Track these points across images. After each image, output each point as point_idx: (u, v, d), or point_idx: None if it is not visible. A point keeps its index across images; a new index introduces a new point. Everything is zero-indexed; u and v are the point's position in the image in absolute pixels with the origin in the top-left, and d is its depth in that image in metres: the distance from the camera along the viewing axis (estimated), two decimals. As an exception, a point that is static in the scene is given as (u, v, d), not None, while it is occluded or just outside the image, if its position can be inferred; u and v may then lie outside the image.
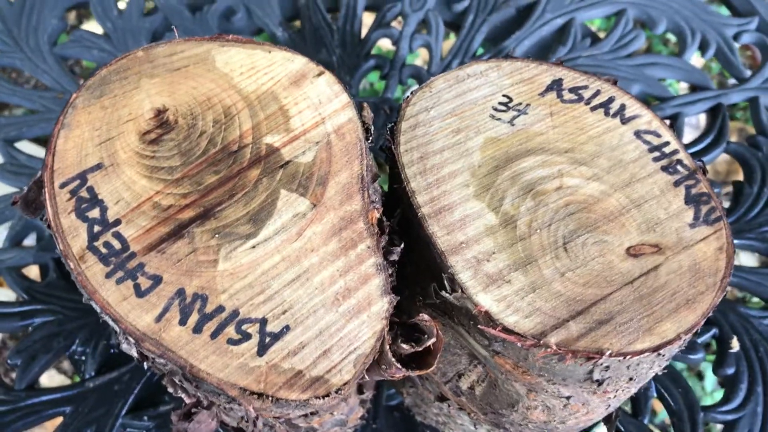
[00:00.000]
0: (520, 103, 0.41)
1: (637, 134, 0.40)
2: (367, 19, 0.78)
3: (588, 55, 0.73)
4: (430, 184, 0.38)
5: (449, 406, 0.45)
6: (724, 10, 0.83)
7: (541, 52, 0.74)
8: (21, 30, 0.72)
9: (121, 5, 0.74)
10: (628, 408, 0.62)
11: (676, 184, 0.38)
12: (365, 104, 0.39)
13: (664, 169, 0.39)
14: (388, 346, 0.34)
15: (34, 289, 0.63)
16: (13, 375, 0.77)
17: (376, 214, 0.37)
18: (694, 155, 0.69)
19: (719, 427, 0.98)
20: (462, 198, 0.37)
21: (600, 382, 0.36)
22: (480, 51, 0.75)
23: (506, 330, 0.34)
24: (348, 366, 0.34)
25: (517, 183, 0.38)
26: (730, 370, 0.62)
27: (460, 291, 0.35)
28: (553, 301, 0.35)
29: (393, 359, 0.34)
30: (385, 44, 1.12)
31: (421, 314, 0.35)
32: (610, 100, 0.41)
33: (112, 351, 0.62)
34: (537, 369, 0.36)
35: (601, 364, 0.34)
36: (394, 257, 0.37)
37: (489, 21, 0.74)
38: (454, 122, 0.40)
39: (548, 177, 0.38)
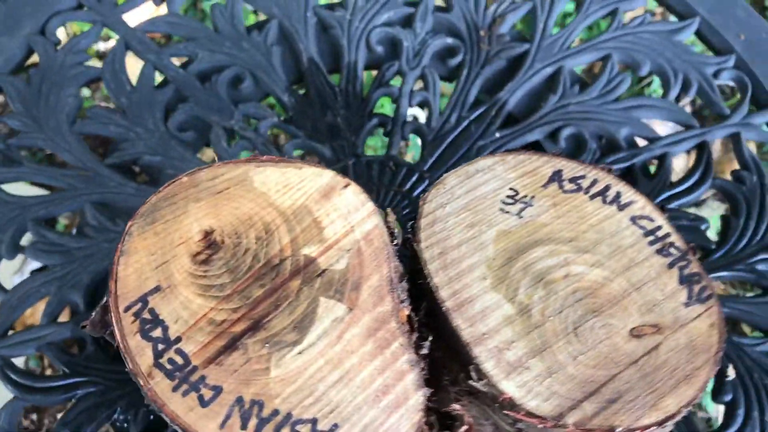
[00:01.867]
0: (526, 196, 0.45)
1: (633, 220, 0.44)
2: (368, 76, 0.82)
3: (577, 102, 0.77)
4: (451, 278, 0.42)
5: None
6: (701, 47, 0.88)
7: (533, 100, 0.79)
8: (40, 110, 0.76)
9: (132, 79, 0.77)
10: None
11: (670, 266, 0.43)
12: (389, 210, 0.43)
13: (658, 252, 0.43)
14: (426, 435, 0.39)
15: (75, 363, 0.67)
16: None
17: (406, 312, 0.41)
18: (682, 194, 0.74)
19: None
20: (481, 290, 0.42)
21: (613, 452, 0.40)
22: (475, 102, 0.79)
23: (529, 414, 0.39)
24: (393, 457, 0.38)
25: (528, 273, 0.42)
26: (728, 397, 0.67)
27: (486, 380, 0.40)
28: (568, 384, 0.39)
29: (431, 447, 0.39)
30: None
31: (453, 405, 0.39)
32: (606, 188, 0.45)
33: (151, 417, 0.66)
34: (557, 443, 0.40)
35: (614, 439, 0.39)
36: (425, 351, 0.41)
37: (482, 74, 0.79)
38: (467, 217, 0.45)
39: (556, 266, 0.43)
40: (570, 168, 0.46)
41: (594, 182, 0.46)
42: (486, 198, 0.45)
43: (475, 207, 0.45)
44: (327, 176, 0.44)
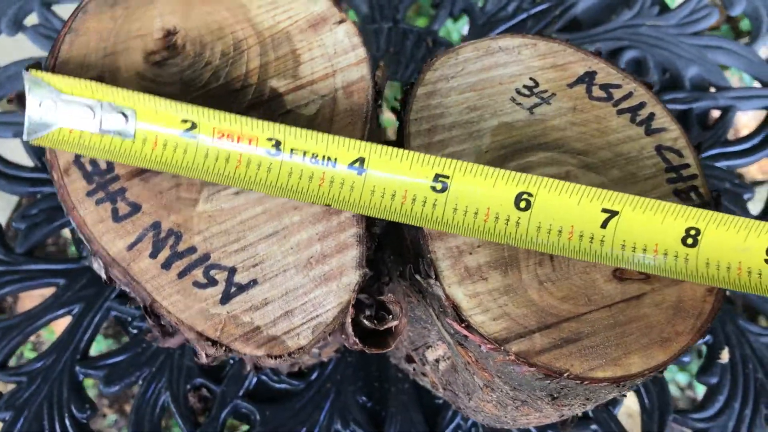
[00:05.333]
0: (546, 91, 0.38)
1: (659, 149, 0.37)
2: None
3: (652, 25, 0.68)
4: (431, 160, 0.36)
5: (414, 370, 0.45)
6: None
7: (605, 11, 0.70)
8: None
9: None
10: (601, 392, 0.62)
11: (685, 212, 0.36)
12: (381, 63, 0.37)
13: (676, 193, 0.37)
14: (350, 320, 0.34)
15: (48, 158, 0.63)
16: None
17: (369, 183, 0.36)
18: (735, 154, 0.66)
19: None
20: (460, 182, 0.36)
21: (555, 397, 0.35)
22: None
23: (470, 328, 0.34)
24: (306, 332, 0.34)
25: (520, 177, 0.36)
26: (714, 380, 0.61)
27: (434, 278, 0.34)
28: (525, 308, 0.34)
29: (352, 333, 0.34)
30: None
31: (389, 294, 0.34)
32: (641, 105, 0.38)
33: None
34: (495, 370, 0.36)
35: (558, 383, 0.34)
36: (377, 230, 0.36)
37: (558, -34, 0.70)
38: (472, 98, 0.38)
39: (554, 177, 0.36)
40: (606, 73, 0.39)
41: (628, 95, 0.39)
42: (500, 82, 0.39)
43: (484, 89, 0.38)
44: (322, 5, 0.37)
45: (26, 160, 0.63)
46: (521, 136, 0.37)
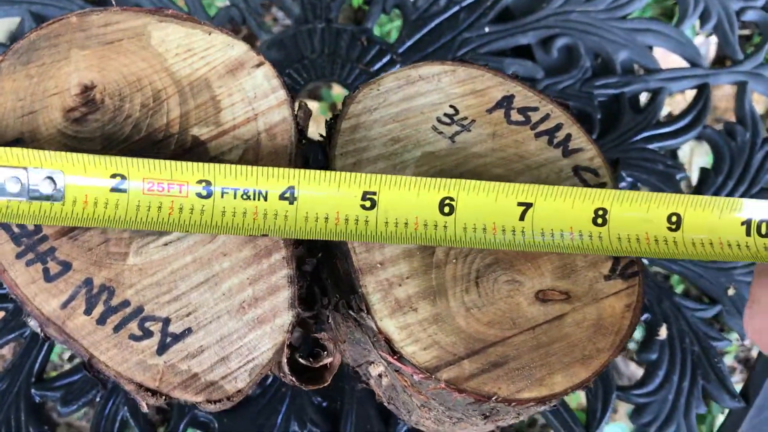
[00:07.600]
0: (465, 118, 0.39)
1: (576, 170, 0.39)
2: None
3: (581, 11, 0.69)
4: (357, 194, 0.37)
5: (360, 380, 0.47)
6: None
7: (536, 0, 0.71)
8: None
9: None
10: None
11: (602, 231, 0.38)
12: (303, 102, 0.38)
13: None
14: (285, 359, 0.35)
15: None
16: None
17: (296, 223, 0.36)
18: (666, 136, 0.68)
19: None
20: (386, 215, 0.37)
21: (487, 416, 0.37)
22: (473, -13, 0.71)
23: (403, 359, 0.35)
24: (243, 375, 0.35)
25: (444, 206, 0.37)
26: (653, 356, 0.64)
27: (366, 311, 0.36)
28: (453, 336, 0.36)
29: (289, 372, 0.35)
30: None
31: (322, 333, 0.35)
32: (557, 127, 0.40)
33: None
34: (430, 394, 0.37)
35: (488, 405, 0.36)
36: (308, 268, 0.37)
37: (487, -44, 0.70)
38: (395, 129, 0.39)
39: (477, 204, 0.38)
40: (523, 96, 0.40)
41: (545, 117, 0.40)
42: (421, 111, 0.40)
43: (407, 119, 0.39)
44: (239, 49, 0.37)
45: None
46: (444, 165, 0.38)
